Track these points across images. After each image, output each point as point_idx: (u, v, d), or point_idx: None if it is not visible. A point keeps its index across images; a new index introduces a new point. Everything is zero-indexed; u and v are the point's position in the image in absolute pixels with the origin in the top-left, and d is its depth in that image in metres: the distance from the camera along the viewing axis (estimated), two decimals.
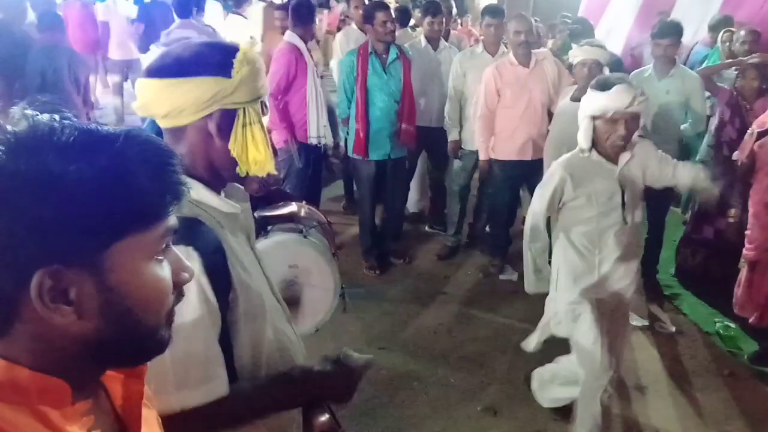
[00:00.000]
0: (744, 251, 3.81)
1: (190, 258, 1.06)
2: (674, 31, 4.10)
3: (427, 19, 4.70)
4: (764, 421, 3.00)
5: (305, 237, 1.80)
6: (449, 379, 3.26)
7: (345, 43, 5.25)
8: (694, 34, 6.27)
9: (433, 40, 4.71)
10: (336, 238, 2.09)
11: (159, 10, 6.65)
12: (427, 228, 5.17)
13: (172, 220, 0.71)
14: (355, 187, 4.95)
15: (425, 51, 4.61)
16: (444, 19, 4.83)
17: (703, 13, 7.74)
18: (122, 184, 0.65)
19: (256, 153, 1.15)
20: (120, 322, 0.67)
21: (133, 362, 0.75)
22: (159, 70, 1.13)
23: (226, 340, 1.15)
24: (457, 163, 4.56)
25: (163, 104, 1.12)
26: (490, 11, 4.45)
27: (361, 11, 5.06)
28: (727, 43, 5.44)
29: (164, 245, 0.71)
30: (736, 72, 4.29)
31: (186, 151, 1.15)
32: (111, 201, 0.64)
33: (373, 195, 4.25)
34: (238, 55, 1.14)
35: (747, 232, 3.73)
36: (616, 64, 4.95)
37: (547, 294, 2.80)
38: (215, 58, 1.14)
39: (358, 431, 2.77)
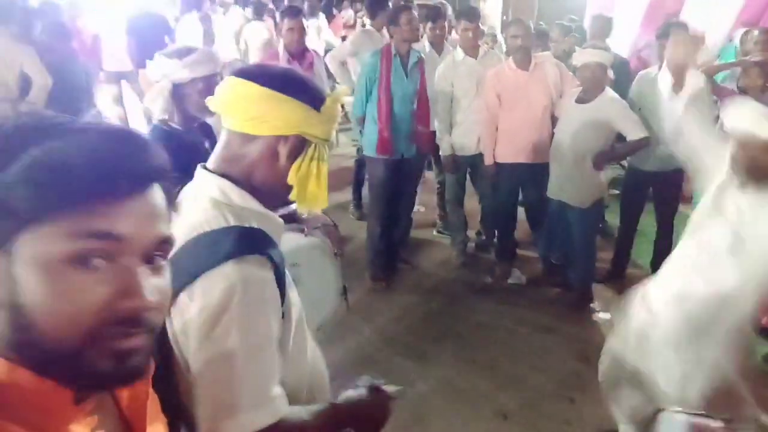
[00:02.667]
0: None
1: (264, 267, 1.07)
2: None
3: (429, 25, 4.74)
4: None
5: (306, 236, 1.81)
6: (459, 383, 3.25)
7: (362, 43, 5.25)
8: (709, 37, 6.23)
9: (436, 45, 4.76)
10: (342, 241, 2.09)
11: (149, 21, 6.61)
12: (435, 232, 5.18)
13: (127, 228, 0.64)
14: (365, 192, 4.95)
15: (429, 56, 4.62)
16: (446, 24, 4.84)
17: (715, 15, 7.70)
18: (52, 161, 0.61)
19: (315, 188, 1.17)
20: (18, 322, 0.61)
21: (68, 380, 0.64)
22: (258, 77, 1.14)
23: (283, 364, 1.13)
24: (449, 176, 4.56)
25: (249, 108, 1.13)
26: (466, 15, 4.39)
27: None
28: (751, 44, 5.41)
29: (105, 251, 0.63)
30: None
31: (247, 160, 1.15)
32: (34, 174, 0.60)
33: (386, 196, 4.24)
34: (333, 94, 1.19)
35: None
36: (622, 66, 4.95)
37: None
38: (314, 90, 1.18)
39: None
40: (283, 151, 1.14)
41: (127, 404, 0.75)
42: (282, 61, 4.14)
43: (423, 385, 3.22)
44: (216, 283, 1.02)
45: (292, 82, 1.16)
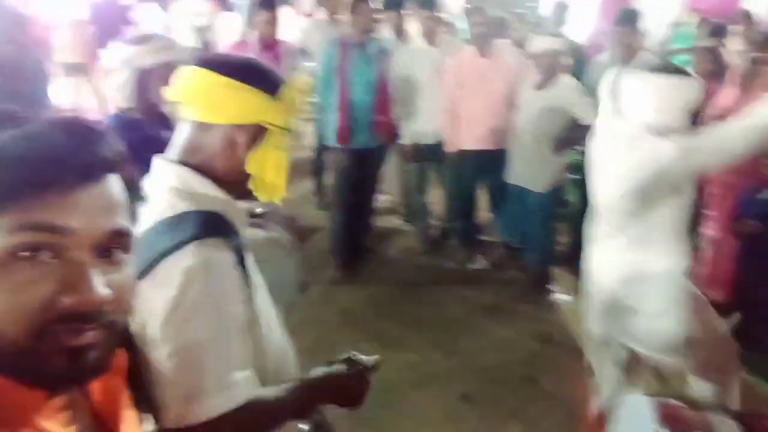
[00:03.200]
0: (705, 231, 3.92)
1: (224, 250, 1.07)
2: (633, 18, 4.17)
3: (390, 13, 4.78)
4: None
5: (265, 230, 1.81)
6: (424, 367, 3.30)
7: (310, 33, 5.25)
8: (659, 24, 6.41)
9: (398, 33, 4.79)
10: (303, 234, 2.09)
11: (110, 10, 6.47)
12: (398, 221, 5.21)
13: (76, 220, 0.62)
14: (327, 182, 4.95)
15: (392, 45, 4.63)
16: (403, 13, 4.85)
17: (668, 1, 7.91)
18: None
19: (274, 177, 1.16)
20: None
21: (22, 379, 0.63)
22: (214, 65, 1.14)
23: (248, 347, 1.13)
24: (411, 165, 4.60)
25: (205, 97, 1.13)
26: (427, 4, 4.40)
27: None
28: (698, 30, 5.61)
29: (51, 244, 0.61)
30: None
31: (206, 150, 1.14)
32: None
33: (349, 185, 4.24)
34: (290, 81, 1.19)
35: (706, 212, 3.84)
36: (579, 53, 5.04)
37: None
38: (272, 78, 1.17)
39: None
40: (241, 140, 1.13)
41: (99, 399, 0.74)
42: (253, 52, 4.10)
43: (388, 370, 3.24)
44: (176, 266, 1.01)
45: (249, 70, 1.16)
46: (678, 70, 2.21)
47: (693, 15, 6.37)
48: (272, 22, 4.13)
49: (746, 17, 5.63)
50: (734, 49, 5.27)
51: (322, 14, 5.93)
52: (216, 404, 1.01)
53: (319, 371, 1.22)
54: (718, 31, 4.91)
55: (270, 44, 4.16)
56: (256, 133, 1.14)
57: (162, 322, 1.00)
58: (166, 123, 2.43)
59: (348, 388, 1.22)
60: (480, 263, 4.46)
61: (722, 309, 3.71)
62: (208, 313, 1.02)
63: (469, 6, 11.15)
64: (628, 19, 4.12)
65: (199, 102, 1.13)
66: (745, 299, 3.55)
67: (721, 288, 3.79)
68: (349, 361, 1.23)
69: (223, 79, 1.11)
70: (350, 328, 3.68)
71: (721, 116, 3.69)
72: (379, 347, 3.46)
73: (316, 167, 5.47)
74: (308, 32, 5.24)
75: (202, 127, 1.14)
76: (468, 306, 3.95)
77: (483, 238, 4.66)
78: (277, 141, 1.16)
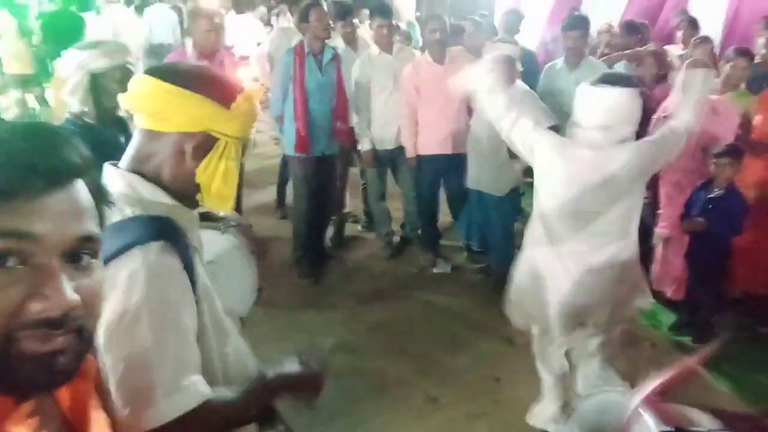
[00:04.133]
0: (657, 229, 4.05)
1: (168, 253, 1.06)
2: (582, 24, 4.31)
3: (340, 23, 4.83)
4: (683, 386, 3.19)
5: (222, 234, 1.79)
6: (388, 372, 3.31)
7: (279, 42, 5.24)
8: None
9: (350, 42, 4.84)
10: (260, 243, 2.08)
11: (65, 21, 6.36)
12: (360, 228, 5.22)
13: (43, 226, 0.62)
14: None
15: (345, 54, 4.65)
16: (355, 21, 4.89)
17: (611, 8, 8.19)
18: None
19: (222, 187, 1.15)
20: None
21: None
22: (164, 74, 1.13)
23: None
24: (371, 171, 4.62)
25: (154, 105, 1.12)
26: (380, 12, 4.44)
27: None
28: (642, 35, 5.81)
29: (17, 251, 0.60)
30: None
31: (156, 158, 1.14)
32: None
33: (309, 194, 4.23)
34: (244, 92, 1.17)
35: (659, 211, 3.97)
36: (530, 59, 5.16)
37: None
38: (223, 87, 1.16)
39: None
40: (189, 148, 1.13)
41: (69, 405, 0.73)
42: (191, 61, 4.04)
43: (353, 377, 3.25)
44: (120, 271, 1.01)
45: (199, 78, 1.16)
46: (624, 81, 2.35)
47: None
48: (212, 31, 4.03)
49: (691, 23, 5.86)
50: (676, 53, 5.49)
51: (286, 22, 5.93)
52: (167, 409, 1.00)
53: (273, 370, 1.22)
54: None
55: (208, 54, 4.04)
56: (206, 142, 1.13)
57: (107, 328, 1.00)
58: (123, 127, 2.41)
59: (303, 386, 1.22)
60: (442, 267, 4.50)
61: (674, 304, 3.86)
62: (153, 317, 1.02)
63: (419, 14, 11.35)
64: (577, 24, 4.25)
65: (147, 110, 1.13)
66: (694, 294, 3.69)
67: (673, 284, 3.93)
68: (302, 360, 1.23)
69: (171, 87, 1.11)
70: (314, 334, 3.66)
71: (668, 118, 3.84)
72: (343, 353, 3.46)
73: (280, 177, 5.44)
74: (274, 42, 5.23)
75: (152, 135, 1.14)
76: (431, 309, 3.99)
77: (444, 242, 4.72)
78: (227, 151, 1.15)
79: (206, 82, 1.15)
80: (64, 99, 2.31)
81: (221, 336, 1.20)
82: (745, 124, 3.81)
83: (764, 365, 3.41)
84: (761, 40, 4.96)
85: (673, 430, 1.46)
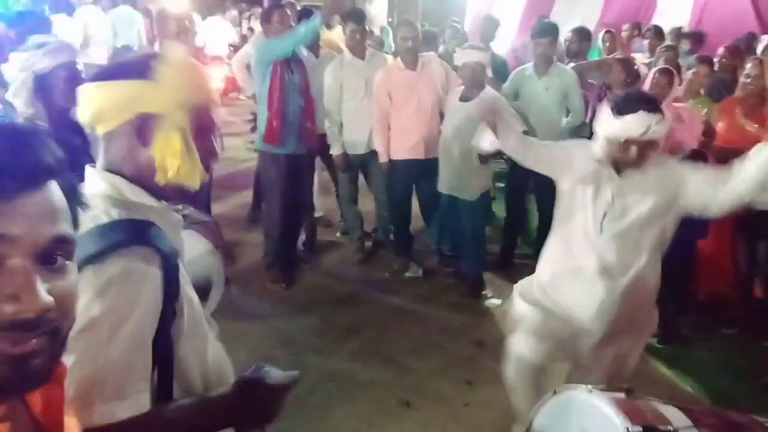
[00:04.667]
0: None
1: (150, 261, 1.04)
2: (551, 31, 4.39)
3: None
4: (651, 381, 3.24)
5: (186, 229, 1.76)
6: (362, 376, 3.31)
7: None
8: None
9: (313, 49, 4.78)
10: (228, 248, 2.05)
11: (31, 20, 6.23)
12: (338, 234, 5.20)
13: (17, 228, 0.62)
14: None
15: (308, 59, 4.63)
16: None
17: (580, 16, 8.36)
18: None
19: (173, 161, 1.12)
20: None
21: None
22: (94, 75, 1.12)
23: (167, 354, 1.10)
24: (342, 175, 4.62)
25: (92, 107, 1.11)
26: (354, 17, 4.45)
27: None
28: (607, 43, 5.96)
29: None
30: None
31: (118, 157, 1.13)
32: None
33: (281, 195, 4.20)
34: (163, 59, 1.13)
35: None
36: (501, 66, 5.24)
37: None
38: (140, 62, 1.14)
39: None
40: (135, 134, 1.12)
41: (41, 410, 0.72)
42: None
43: (327, 379, 3.25)
44: (95, 275, 1.00)
45: (118, 65, 1.15)
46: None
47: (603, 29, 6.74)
48: (181, 33, 3.95)
49: (657, 32, 6.02)
50: (643, 61, 5.63)
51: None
52: (110, 410, 1.00)
53: (221, 391, 1.18)
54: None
55: None
56: (146, 124, 1.12)
57: (76, 327, 0.99)
58: (77, 129, 2.37)
59: (252, 411, 1.15)
60: (414, 271, 4.52)
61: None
62: (118, 324, 1.01)
63: (391, 20, 11.43)
64: (547, 31, 4.32)
65: (90, 115, 1.13)
66: (659, 296, 3.77)
67: None
68: (256, 382, 1.16)
69: (97, 85, 1.12)
70: (286, 339, 3.65)
71: None
72: (316, 357, 3.45)
73: (256, 183, 5.42)
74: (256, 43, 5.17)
75: (107, 137, 1.14)
76: (403, 313, 4.00)
77: (416, 246, 4.74)
78: (170, 123, 1.12)
79: (127, 66, 1.14)
80: (9, 99, 2.26)
81: (201, 342, 1.18)
82: (708, 130, 3.91)
83: (727, 365, 3.50)
84: (720, 50, 5.12)
85: (641, 429, 1.49)
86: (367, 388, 3.22)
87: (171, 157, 1.12)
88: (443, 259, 4.64)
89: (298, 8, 5.17)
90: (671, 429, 1.53)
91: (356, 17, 4.44)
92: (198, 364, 1.16)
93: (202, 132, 1.18)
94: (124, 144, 1.13)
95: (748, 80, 3.93)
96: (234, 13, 10.31)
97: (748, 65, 4.02)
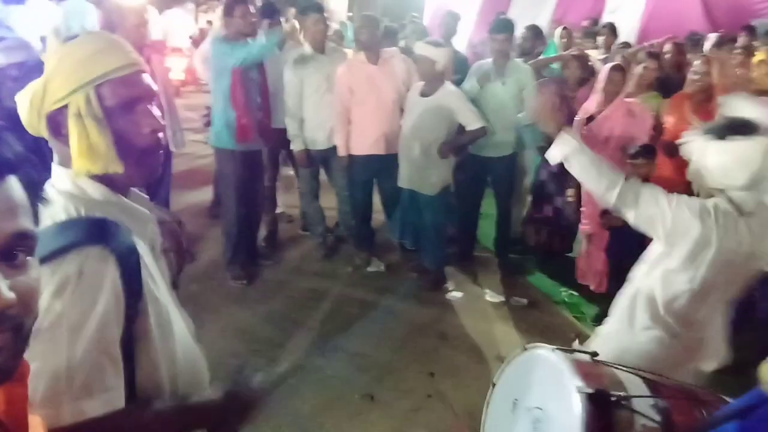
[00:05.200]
0: (581, 226, 4.26)
1: (106, 260, 1.03)
2: (508, 27, 4.46)
3: (266, 21, 4.74)
4: None
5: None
6: (325, 370, 3.33)
7: None
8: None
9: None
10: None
11: None
12: (301, 230, 5.19)
13: None
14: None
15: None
16: (282, 21, 4.83)
17: (536, 13, 8.51)
18: None
19: (80, 147, 1.08)
20: None
21: None
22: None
23: (129, 353, 1.09)
24: (304, 171, 4.61)
25: (21, 111, 1.11)
26: (313, 8, 4.40)
27: None
28: (564, 40, 6.09)
29: None
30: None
31: (61, 155, 1.11)
32: None
33: (238, 191, 4.16)
34: (56, 48, 1.11)
35: (582, 209, 4.17)
36: (462, 62, 5.29)
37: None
38: (39, 60, 1.12)
39: None
40: (51, 133, 1.12)
41: (4, 408, 0.71)
42: None
43: (289, 376, 3.26)
44: (55, 273, 1.00)
45: (30, 65, 1.14)
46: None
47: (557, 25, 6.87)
48: (141, 26, 3.83)
49: (610, 29, 6.18)
50: (597, 57, 5.77)
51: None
52: (79, 408, 1.00)
53: (198, 397, 1.19)
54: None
55: (135, 49, 3.87)
56: (57, 118, 1.10)
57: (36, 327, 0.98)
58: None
59: (223, 418, 1.18)
60: (376, 266, 4.56)
61: (597, 297, 4.07)
62: (78, 322, 1.00)
63: (351, 14, 11.40)
64: (504, 27, 4.39)
65: (24, 119, 1.13)
66: (615, 287, 3.89)
67: (596, 277, 4.14)
68: (234, 388, 1.19)
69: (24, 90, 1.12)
70: (248, 335, 3.64)
71: (589, 119, 4.04)
72: (279, 352, 3.46)
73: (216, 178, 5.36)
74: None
75: (48, 137, 1.14)
76: (366, 308, 4.03)
77: (378, 241, 4.77)
78: (74, 109, 1.08)
79: (34, 65, 1.14)
80: None
81: (170, 342, 1.18)
82: (658, 125, 4.05)
83: None
84: (667, 46, 5.30)
85: (592, 391, 1.51)
86: (330, 381, 3.24)
87: (76, 143, 1.08)
88: (405, 253, 4.68)
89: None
90: (623, 395, 1.54)
91: (316, 8, 4.42)
92: (167, 364, 1.16)
93: (132, 105, 1.12)
94: (54, 142, 1.12)
95: (696, 77, 4.08)
96: (191, 6, 10.12)
97: (696, 62, 4.17)
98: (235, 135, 4.02)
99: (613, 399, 1.52)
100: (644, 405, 1.56)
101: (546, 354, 1.74)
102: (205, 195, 5.52)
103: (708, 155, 1.99)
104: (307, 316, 3.91)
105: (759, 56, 5.73)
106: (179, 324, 1.25)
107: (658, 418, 1.53)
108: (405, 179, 4.17)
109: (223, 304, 3.97)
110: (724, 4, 7.92)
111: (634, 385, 1.64)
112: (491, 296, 4.21)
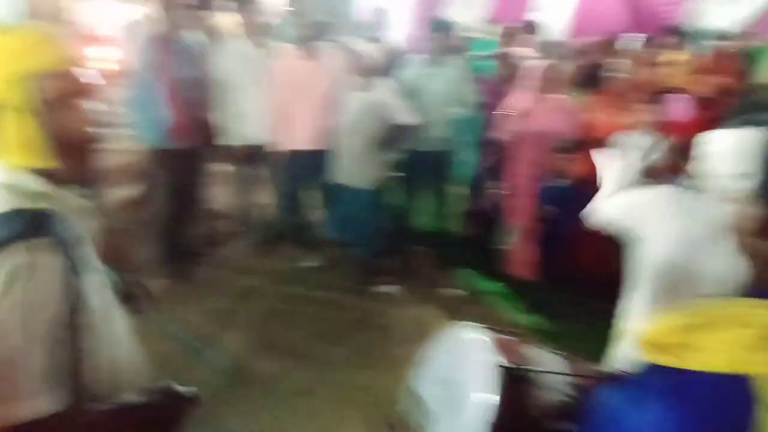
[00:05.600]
0: (512, 219, 4.39)
1: (55, 252, 1.01)
2: (444, 25, 4.54)
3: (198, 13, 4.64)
4: None
5: None
6: (261, 368, 3.31)
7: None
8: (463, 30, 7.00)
9: (209, 34, 4.68)
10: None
11: None
12: (236, 227, 5.10)
13: None
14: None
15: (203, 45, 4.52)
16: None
17: (468, 11, 8.66)
18: None
19: (18, 140, 1.06)
20: None
21: None
22: None
23: (73, 350, 1.07)
24: (239, 167, 4.56)
25: None
26: (244, 2, 4.37)
27: None
28: (505, 38, 6.25)
29: None
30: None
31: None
32: None
33: (172, 188, 4.07)
34: None
35: (517, 203, 4.30)
36: (397, 58, 5.34)
37: None
38: None
39: None
40: None
41: None
42: None
43: (226, 376, 3.21)
44: (0, 266, 0.97)
45: None
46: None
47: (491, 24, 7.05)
48: (61, 12, 3.73)
49: (530, 26, 6.37)
50: (525, 55, 5.95)
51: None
52: (28, 407, 0.98)
53: (132, 398, 1.18)
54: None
55: None
56: None
57: None
58: None
59: (157, 421, 1.18)
60: (312, 261, 4.55)
61: (529, 287, 4.21)
62: (26, 319, 0.98)
63: (288, 8, 11.27)
64: (442, 27, 4.47)
65: None
66: (547, 276, 4.05)
67: (530, 268, 4.28)
68: (165, 393, 1.19)
69: None
70: (186, 332, 3.56)
71: (520, 116, 4.17)
72: (215, 352, 3.40)
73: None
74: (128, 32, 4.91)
75: None
76: (304, 303, 4.02)
77: (314, 236, 4.77)
78: (10, 103, 1.06)
79: None
80: None
81: (112, 339, 1.16)
82: (584, 121, 4.22)
83: (600, 336, 3.81)
84: (590, 45, 5.58)
85: (509, 366, 1.58)
86: (265, 379, 3.23)
87: (14, 141, 1.07)
88: (342, 248, 4.70)
89: None
90: (539, 370, 1.63)
91: (247, 2, 4.36)
92: (107, 362, 1.14)
93: (70, 99, 1.11)
94: None
95: (620, 75, 4.29)
96: None
97: (620, 61, 4.38)
98: (170, 133, 3.92)
99: (529, 374, 1.60)
100: (560, 382, 1.64)
101: (468, 331, 1.82)
102: (133, 192, 5.35)
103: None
104: (243, 313, 3.86)
105: (673, 56, 6.07)
106: (120, 322, 1.23)
107: (573, 394, 1.61)
108: (343, 174, 4.18)
109: (157, 304, 3.85)
110: (646, 8, 8.34)
111: (556, 364, 1.73)
112: (450, 292, 4.26)
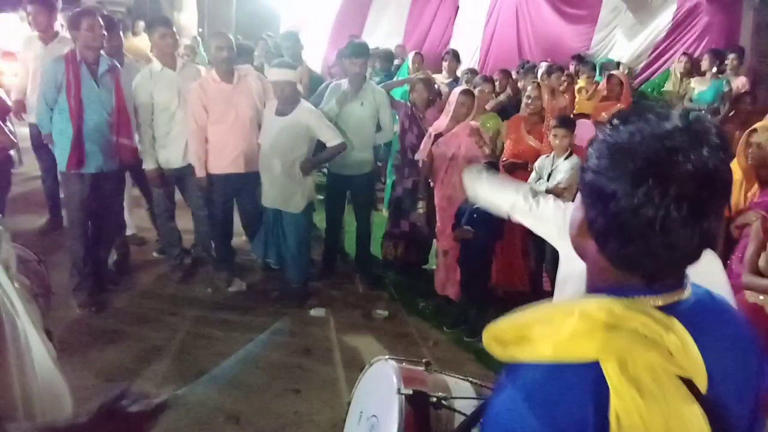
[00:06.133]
0: (436, 242, 4.51)
1: None
2: (365, 51, 4.64)
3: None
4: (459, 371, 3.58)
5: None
6: (188, 397, 3.21)
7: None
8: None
9: (115, 57, 4.55)
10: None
11: None
12: (155, 254, 4.95)
13: None
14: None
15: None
16: (121, 35, 4.64)
17: (387, 38, 8.92)
18: None
19: None
20: None
21: None
22: None
23: None
24: (157, 191, 4.44)
25: None
26: (160, 22, 4.30)
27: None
28: (416, 64, 6.50)
29: None
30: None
31: None
32: None
33: (85, 214, 3.91)
34: None
35: (437, 225, 4.42)
36: (317, 81, 5.41)
37: None
38: None
39: None
40: None
41: None
42: None
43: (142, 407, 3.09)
44: None
45: None
46: None
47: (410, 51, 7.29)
48: None
49: (453, 56, 6.63)
50: (444, 81, 6.19)
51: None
52: None
53: (78, 418, 1.13)
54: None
55: None
56: None
57: None
58: None
59: None
60: (237, 285, 4.47)
61: (452, 305, 4.32)
62: None
63: (201, 30, 11.12)
64: (360, 52, 4.57)
65: None
66: (468, 295, 4.17)
67: (453, 287, 4.39)
68: (115, 407, 1.13)
69: None
70: (99, 367, 3.40)
71: (437, 137, 4.32)
72: (138, 380, 3.28)
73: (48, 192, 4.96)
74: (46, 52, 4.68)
75: None
76: (229, 328, 3.94)
77: (238, 260, 4.70)
78: None
79: None
80: None
81: (25, 361, 1.12)
82: (496, 145, 4.44)
83: None
84: (497, 74, 6.00)
85: (411, 392, 1.70)
86: (192, 407, 3.13)
87: None
88: (267, 271, 4.65)
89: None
90: (441, 396, 1.74)
91: (164, 21, 4.28)
92: (21, 385, 1.10)
93: None
94: None
95: (529, 101, 4.53)
96: (23, 13, 9.26)
97: (529, 87, 4.63)
98: (73, 157, 3.78)
99: (432, 400, 1.71)
100: (467, 406, 1.74)
101: (380, 365, 1.95)
102: (42, 218, 5.10)
103: None
104: (163, 341, 3.74)
105: (580, 83, 6.49)
106: (38, 346, 1.18)
107: (477, 413, 1.73)
108: (268, 198, 4.16)
109: (69, 335, 3.67)
110: (547, 40, 8.92)
111: (461, 389, 1.84)
112: (377, 314, 4.29)
